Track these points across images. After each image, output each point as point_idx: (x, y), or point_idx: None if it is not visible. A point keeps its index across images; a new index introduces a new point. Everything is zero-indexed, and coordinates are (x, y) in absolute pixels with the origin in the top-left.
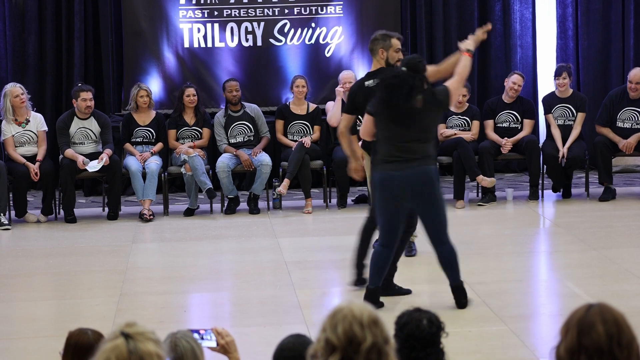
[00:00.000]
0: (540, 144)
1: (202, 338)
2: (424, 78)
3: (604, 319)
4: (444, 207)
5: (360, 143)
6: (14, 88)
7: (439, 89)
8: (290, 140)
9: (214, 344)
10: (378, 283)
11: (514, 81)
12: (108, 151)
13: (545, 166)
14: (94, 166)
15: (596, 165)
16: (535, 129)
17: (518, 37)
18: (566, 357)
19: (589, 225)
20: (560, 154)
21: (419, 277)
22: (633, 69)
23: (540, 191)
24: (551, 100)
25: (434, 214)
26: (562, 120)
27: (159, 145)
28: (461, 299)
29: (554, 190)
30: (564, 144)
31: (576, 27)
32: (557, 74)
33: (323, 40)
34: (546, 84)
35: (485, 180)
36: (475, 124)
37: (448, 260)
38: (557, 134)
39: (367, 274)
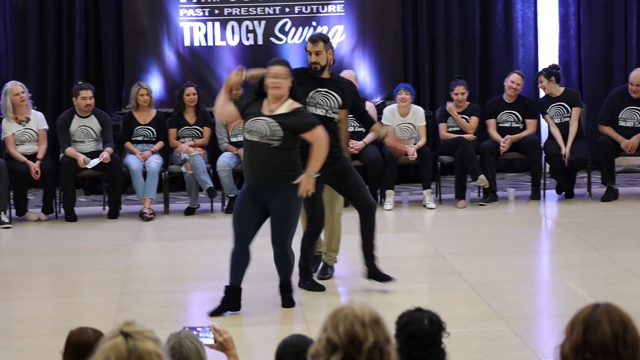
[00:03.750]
0: (542, 144)
1: (200, 336)
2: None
3: (610, 318)
4: (294, 216)
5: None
6: (15, 86)
7: (302, 116)
8: None
9: (211, 342)
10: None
11: (512, 80)
12: (109, 149)
13: (548, 165)
14: (92, 162)
15: (599, 165)
16: (537, 129)
17: (520, 36)
18: (571, 354)
19: (591, 226)
20: (563, 152)
21: (419, 278)
22: (634, 70)
23: (542, 191)
24: (544, 101)
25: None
26: (559, 118)
27: (160, 144)
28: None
29: (558, 192)
30: (564, 142)
31: (578, 27)
32: (537, 79)
33: None
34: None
35: (480, 179)
36: (474, 119)
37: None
38: (556, 132)
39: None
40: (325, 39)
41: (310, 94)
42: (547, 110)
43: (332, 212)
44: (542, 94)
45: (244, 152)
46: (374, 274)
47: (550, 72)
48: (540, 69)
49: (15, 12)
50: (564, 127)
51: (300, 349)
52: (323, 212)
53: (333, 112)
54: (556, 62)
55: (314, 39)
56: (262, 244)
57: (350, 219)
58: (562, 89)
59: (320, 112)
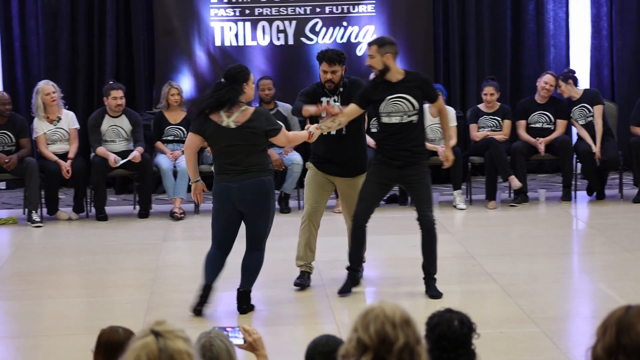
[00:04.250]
0: (573, 144)
1: (230, 336)
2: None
3: None
4: (266, 221)
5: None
6: (46, 86)
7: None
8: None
9: (241, 342)
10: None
11: (545, 81)
12: (139, 149)
13: (580, 165)
14: (121, 161)
15: (630, 166)
16: (568, 129)
17: (551, 37)
18: (604, 356)
19: (622, 227)
20: (594, 150)
21: (450, 279)
22: None
23: (573, 192)
24: (568, 104)
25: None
26: (583, 119)
27: None
28: (242, 304)
29: (589, 193)
30: (594, 142)
31: (610, 27)
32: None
33: (355, 39)
34: (579, 84)
35: (513, 181)
36: (507, 123)
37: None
38: (584, 134)
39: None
40: (379, 43)
41: (382, 105)
42: (572, 114)
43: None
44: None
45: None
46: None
47: (567, 76)
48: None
49: (47, 12)
50: (589, 127)
51: (330, 349)
52: (367, 206)
53: (409, 116)
54: (588, 63)
55: (370, 43)
56: (293, 244)
57: (383, 219)
58: (580, 90)
59: (395, 120)
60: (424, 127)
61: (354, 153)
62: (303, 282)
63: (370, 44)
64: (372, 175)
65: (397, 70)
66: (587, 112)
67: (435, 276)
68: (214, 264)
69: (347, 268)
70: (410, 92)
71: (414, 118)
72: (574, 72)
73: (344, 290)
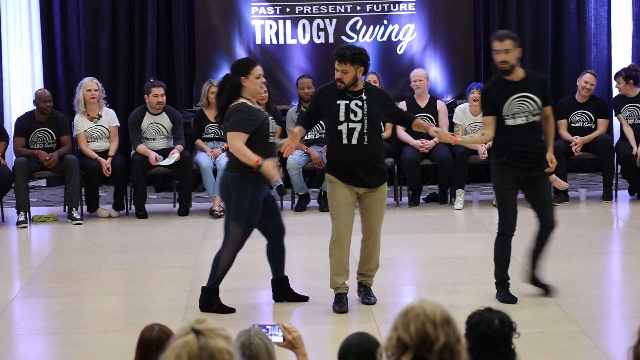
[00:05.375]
0: (615, 144)
1: (269, 333)
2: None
3: None
4: (242, 216)
5: None
6: (90, 82)
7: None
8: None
9: (280, 340)
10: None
11: (586, 80)
12: (179, 147)
13: (619, 166)
14: (167, 161)
15: None
16: (609, 129)
17: (593, 36)
18: None
19: None
20: (634, 152)
21: (490, 278)
22: None
23: (613, 191)
24: (619, 101)
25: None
26: (632, 119)
27: None
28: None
29: (631, 193)
30: (637, 143)
31: None
32: (614, 78)
33: (395, 37)
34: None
35: (558, 182)
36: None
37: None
38: (629, 132)
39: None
40: (514, 37)
41: (505, 106)
42: (621, 110)
43: (373, 231)
44: (614, 92)
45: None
46: (534, 280)
47: (630, 74)
48: (614, 69)
49: (88, 9)
50: (636, 129)
51: (363, 348)
52: (515, 213)
53: (534, 116)
54: (630, 62)
55: (502, 37)
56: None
57: (423, 218)
58: (638, 90)
59: (520, 121)
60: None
61: (377, 162)
62: (342, 307)
63: (502, 37)
64: (504, 182)
65: (519, 68)
66: (639, 113)
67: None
68: (268, 257)
69: (498, 282)
70: (534, 91)
71: (537, 118)
72: (638, 70)
73: (511, 301)
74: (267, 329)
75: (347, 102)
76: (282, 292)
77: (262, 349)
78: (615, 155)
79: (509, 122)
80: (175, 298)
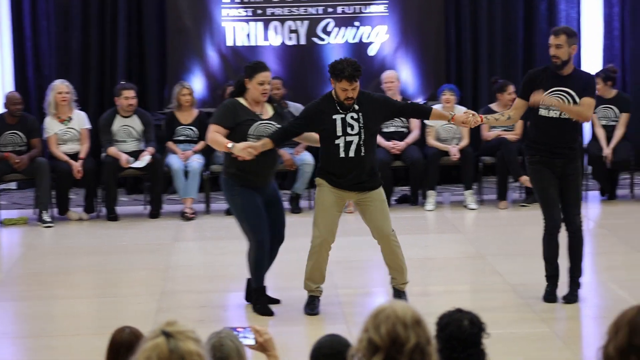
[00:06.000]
0: (585, 145)
1: (241, 336)
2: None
3: None
4: (240, 217)
5: None
6: (61, 85)
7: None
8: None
9: (252, 342)
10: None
11: None
12: (150, 149)
13: (590, 167)
14: (138, 163)
15: None
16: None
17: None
18: (616, 357)
19: (633, 227)
20: (605, 153)
21: (460, 279)
22: None
23: (584, 192)
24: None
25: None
26: (605, 120)
27: (201, 144)
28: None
29: (602, 194)
30: (608, 144)
31: (622, 27)
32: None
33: (367, 39)
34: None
35: (526, 181)
36: (519, 123)
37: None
38: (601, 133)
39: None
40: (569, 33)
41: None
42: (596, 111)
43: (382, 232)
44: None
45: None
46: (570, 298)
47: (609, 76)
48: (595, 71)
49: (59, 11)
50: (608, 130)
51: (334, 350)
52: (559, 211)
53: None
54: (600, 64)
55: (557, 32)
56: (304, 244)
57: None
58: (614, 92)
59: (553, 114)
60: (579, 125)
61: (372, 169)
62: (313, 310)
63: (557, 32)
64: (543, 181)
65: (570, 65)
66: (612, 115)
67: (580, 280)
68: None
69: (547, 276)
70: (577, 88)
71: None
72: (616, 71)
73: (551, 300)
74: (239, 332)
75: (343, 116)
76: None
77: (233, 351)
78: (586, 157)
79: (543, 112)
80: (146, 301)
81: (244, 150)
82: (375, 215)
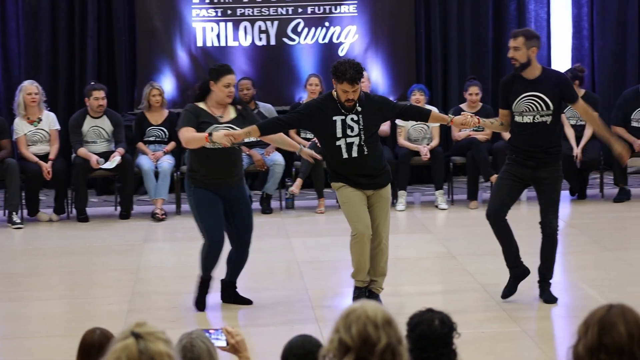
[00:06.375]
0: None
1: (212, 337)
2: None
3: (625, 320)
4: (195, 217)
5: None
6: (30, 85)
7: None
8: (304, 139)
9: (224, 344)
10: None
11: None
12: (120, 150)
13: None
14: (108, 164)
15: (611, 167)
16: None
17: None
18: (586, 356)
19: (603, 227)
20: (574, 153)
21: (431, 278)
22: None
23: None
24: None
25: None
26: (575, 120)
27: (172, 145)
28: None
29: (572, 193)
30: (577, 144)
31: (591, 27)
32: None
33: (337, 39)
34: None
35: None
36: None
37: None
38: (570, 133)
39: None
40: (527, 35)
41: (515, 102)
42: (564, 111)
43: (379, 234)
44: None
45: (207, 158)
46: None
47: (576, 75)
48: (564, 70)
49: (28, 12)
50: (577, 130)
51: (305, 350)
52: (498, 203)
53: (542, 116)
54: (569, 63)
55: (515, 34)
56: (274, 244)
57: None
58: (582, 91)
59: (527, 119)
60: (558, 128)
61: (380, 166)
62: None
63: (515, 35)
64: (505, 172)
65: (536, 66)
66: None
67: (550, 281)
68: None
69: (510, 267)
70: (547, 91)
71: (548, 119)
72: (583, 71)
73: (510, 293)
74: (210, 333)
75: (343, 117)
76: (227, 294)
77: (204, 351)
78: None
79: (517, 118)
80: (118, 302)
81: (224, 137)
82: (379, 215)
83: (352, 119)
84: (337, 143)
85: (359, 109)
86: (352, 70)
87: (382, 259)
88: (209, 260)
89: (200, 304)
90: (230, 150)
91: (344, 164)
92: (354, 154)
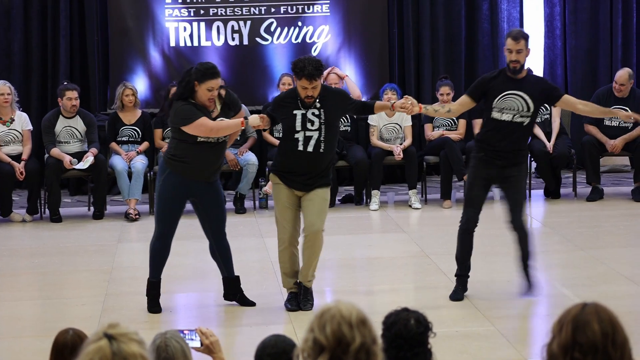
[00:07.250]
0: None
1: (187, 338)
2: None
3: (599, 318)
4: (156, 200)
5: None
6: (2, 86)
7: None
8: (277, 138)
9: (198, 344)
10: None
11: None
12: (93, 150)
13: (535, 164)
14: (81, 165)
15: (584, 165)
16: None
17: (505, 36)
18: (559, 354)
19: (576, 226)
20: (549, 147)
21: (405, 278)
22: (620, 69)
23: (527, 191)
24: None
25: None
26: (539, 117)
27: (145, 145)
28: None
29: (546, 194)
30: (548, 139)
31: (564, 27)
32: None
33: (310, 39)
34: None
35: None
36: (462, 122)
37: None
38: (538, 131)
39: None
40: (527, 37)
41: (497, 98)
42: None
43: (313, 227)
44: None
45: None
46: (529, 285)
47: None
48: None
49: (0, 11)
50: (544, 125)
51: (279, 350)
52: (476, 210)
53: (521, 117)
54: (542, 62)
55: (517, 37)
56: (248, 244)
57: (339, 219)
58: None
59: (506, 117)
60: (532, 130)
61: (325, 168)
62: (292, 306)
63: (517, 38)
64: (476, 178)
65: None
66: (544, 110)
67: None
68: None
69: (457, 275)
70: (530, 92)
71: (525, 120)
72: (530, 71)
73: (457, 298)
74: (185, 334)
75: (304, 111)
76: (231, 291)
77: (178, 351)
78: (530, 155)
79: (496, 115)
80: (91, 302)
81: (260, 119)
82: (312, 210)
83: (313, 114)
84: (296, 135)
85: (318, 104)
86: (310, 67)
87: (316, 256)
88: (157, 257)
89: (155, 307)
90: (221, 144)
91: (295, 156)
92: (310, 148)
